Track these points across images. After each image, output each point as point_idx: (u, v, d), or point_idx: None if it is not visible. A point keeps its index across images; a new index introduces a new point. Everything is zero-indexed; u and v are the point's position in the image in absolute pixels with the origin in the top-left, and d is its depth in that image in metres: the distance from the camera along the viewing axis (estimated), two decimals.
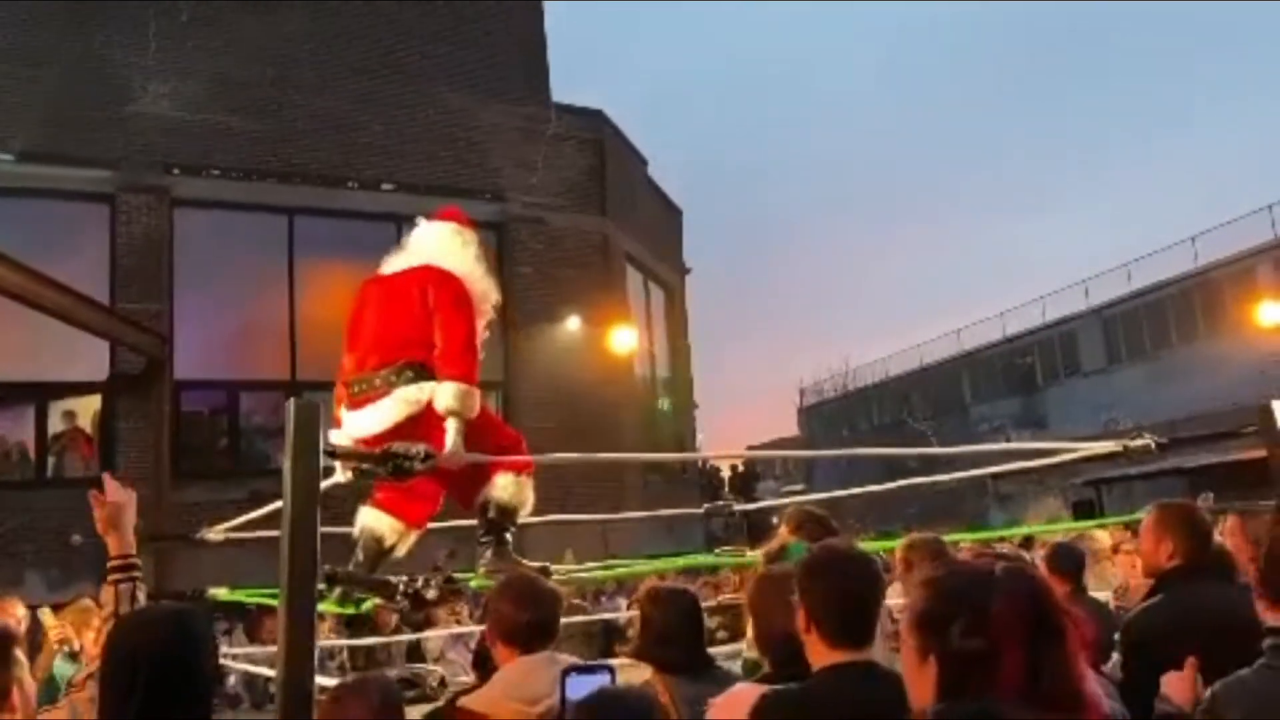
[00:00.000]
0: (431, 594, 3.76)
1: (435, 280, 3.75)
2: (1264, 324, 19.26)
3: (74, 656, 5.27)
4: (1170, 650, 2.36)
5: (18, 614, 5.02)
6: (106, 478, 2.69)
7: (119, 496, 2.61)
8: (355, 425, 3.67)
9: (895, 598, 3.01)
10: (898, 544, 3.99)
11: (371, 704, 2.50)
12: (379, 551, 3.90)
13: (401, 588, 3.83)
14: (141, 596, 2.50)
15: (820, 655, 2.11)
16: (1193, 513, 3.10)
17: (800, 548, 3.23)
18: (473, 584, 3.96)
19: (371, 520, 3.92)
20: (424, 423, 3.52)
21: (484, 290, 3.87)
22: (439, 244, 3.92)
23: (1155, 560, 3.04)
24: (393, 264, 3.94)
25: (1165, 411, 21.10)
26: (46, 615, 5.66)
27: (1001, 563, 1.55)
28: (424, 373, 3.56)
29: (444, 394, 3.52)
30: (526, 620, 2.70)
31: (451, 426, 3.48)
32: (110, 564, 2.57)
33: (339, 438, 3.67)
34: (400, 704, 2.64)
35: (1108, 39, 75.81)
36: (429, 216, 4.12)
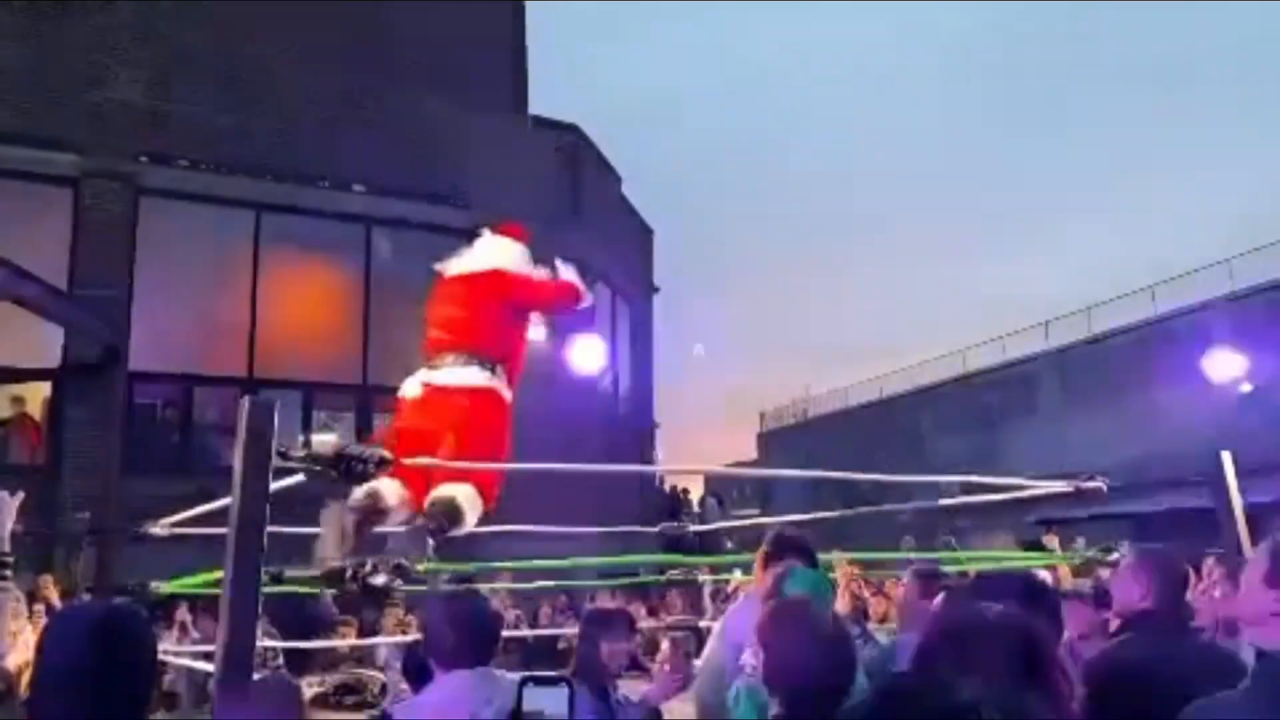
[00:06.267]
0: (380, 579, 3.72)
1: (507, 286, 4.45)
2: (1217, 375, 19.61)
3: None
4: (1131, 694, 2.35)
5: None
6: None
7: None
8: (430, 377, 4.24)
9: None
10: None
11: None
12: (374, 508, 3.88)
13: (349, 573, 3.79)
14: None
15: None
16: (1173, 560, 3.12)
17: (809, 574, 3.19)
18: (421, 568, 3.95)
19: (382, 484, 3.88)
20: (485, 400, 4.16)
21: None
22: (505, 257, 4.57)
23: (1128, 601, 3.03)
24: (463, 264, 4.56)
25: (1118, 456, 21.38)
26: None
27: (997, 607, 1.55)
28: (487, 363, 4.23)
29: None
30: (462, 639, 2.69)
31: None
32: None
33: (411, 385, 4.28)
34: None
35: (1069, 89, 77.16)
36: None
